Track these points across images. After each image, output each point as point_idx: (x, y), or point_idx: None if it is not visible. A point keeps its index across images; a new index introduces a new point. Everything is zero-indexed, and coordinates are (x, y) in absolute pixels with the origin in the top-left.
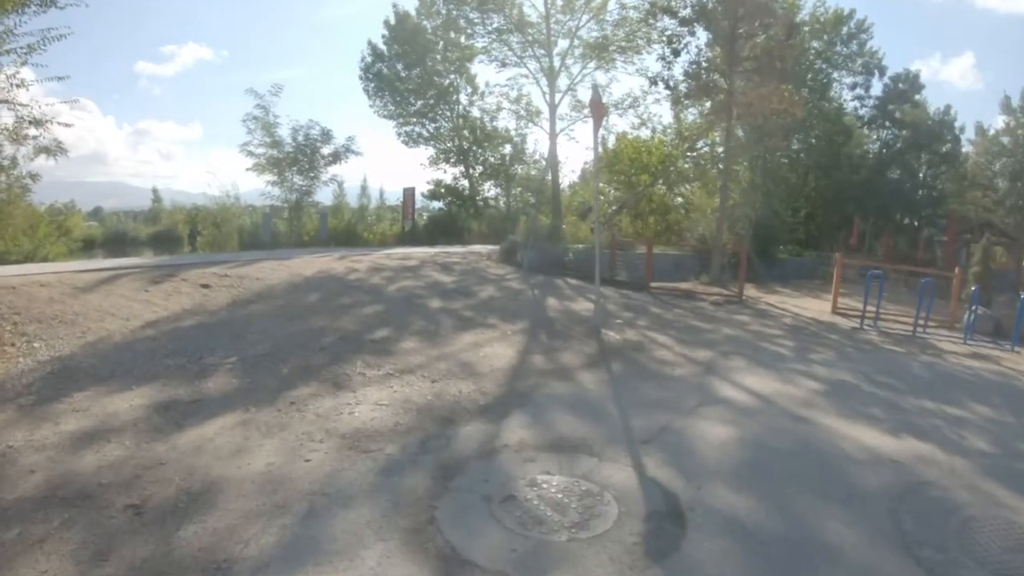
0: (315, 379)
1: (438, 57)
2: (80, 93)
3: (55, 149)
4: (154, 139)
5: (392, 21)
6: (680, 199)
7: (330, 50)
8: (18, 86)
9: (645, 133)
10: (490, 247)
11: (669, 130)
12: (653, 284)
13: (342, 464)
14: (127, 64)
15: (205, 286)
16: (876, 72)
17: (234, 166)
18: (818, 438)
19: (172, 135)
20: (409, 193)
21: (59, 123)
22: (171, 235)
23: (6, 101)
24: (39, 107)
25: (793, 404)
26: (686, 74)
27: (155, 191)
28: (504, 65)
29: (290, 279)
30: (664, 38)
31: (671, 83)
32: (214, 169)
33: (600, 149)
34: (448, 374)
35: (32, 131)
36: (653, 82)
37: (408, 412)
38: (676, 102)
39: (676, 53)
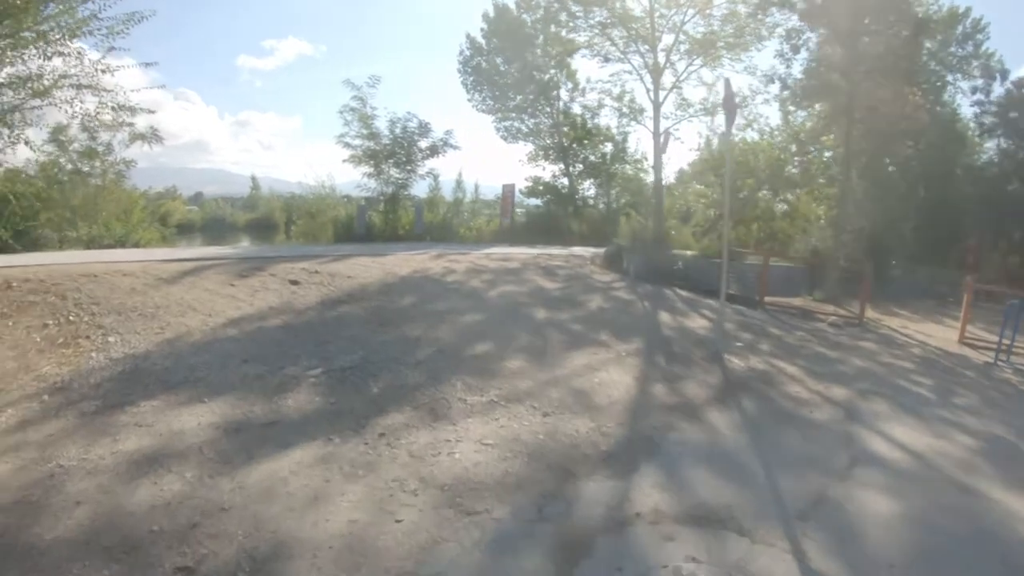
0: (409, 403)
1: (538, 51)
2: (184, 84)
3: (151, 136)
4: (255, 130)
5: (491, 14)
6: (784, 206)
7: (428, 44)
8: (103, 71)
9: (751, 135)
10: (592, 250)
11: (776, 132)
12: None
13: (441, 530)
14: (229, 58)
15: (294, 282)
16: (997, 76)
17: (331, 157)
18: (992, 519)
19: (272, 126)
20: (509, 190)
21: (143, 109)
22: (268, 222)
23: (91, 86)
24: (124, 93)
25: (953, 467)
26: (806, 72)
27: (254, 179)
28: (607, 60)
29: (384, 278)
30: (782, 33)
31: (788, 81)
32: (312, 160)
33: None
34: (561, 405)
35: (127, 118)
36: (770, 80)
37: (518, 456)
38: (792, 102)
39: (796, 50)
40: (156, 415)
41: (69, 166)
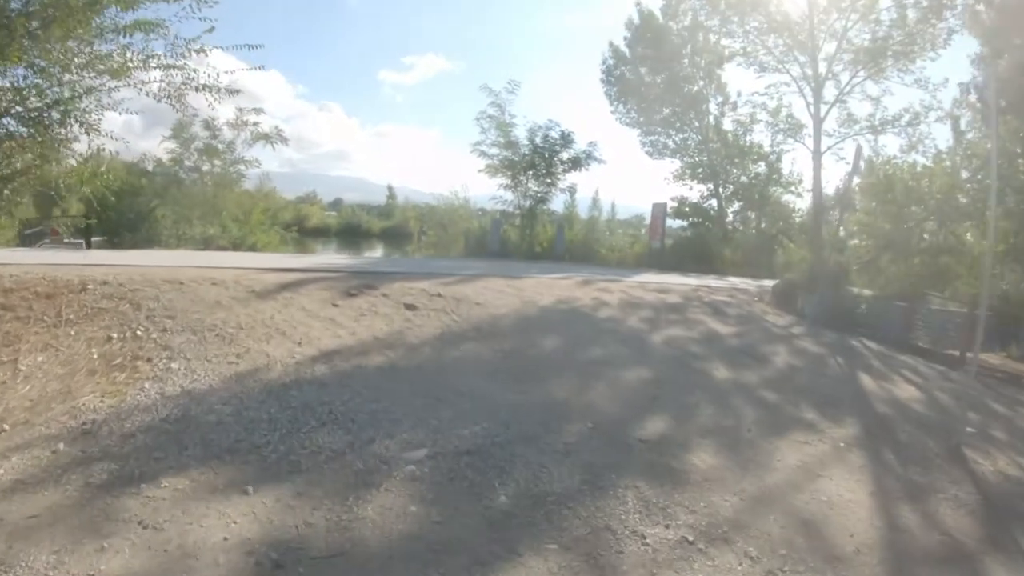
0: (554, 533)
1: (685, 62)
2: (328, 98)
3: (275, 137)
4: (394, 141)
5: (635, 20)
6: (951, 238)
7: (568, 56)
8: (195, 51)
9: (917, 158)
10: (753, 283)
11: (945, 156)
12: (929, 347)
13: None
14: (371, 73)
15: (410, 307)
16: None
17: (467, 169)
18: None
19: (411, 138)
20: (659, 210)
21: (233, 90)
22: (402, 231)
23: (176, 66)
24: (215, 73)
25: None
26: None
27: (390, 188)
28: (763, 70)
29: (521, 309)
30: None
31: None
32: (448, 171)
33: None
34: (788, 553)
35: (253, 118)
36: (966, 91)
37: None
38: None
39: (998, 54)
40: (176, 506)
41: (188, 163)
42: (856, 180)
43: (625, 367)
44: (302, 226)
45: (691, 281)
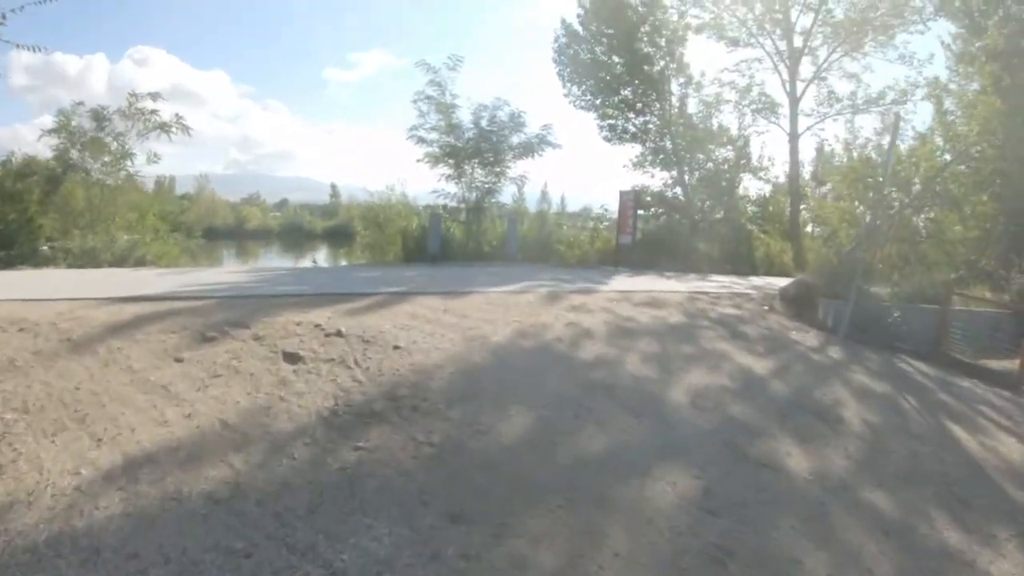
0: None
1: (644, 39)
2: (272, 97)
3: (175, 127)
4: (341, 139)
5: None
6: (930, 224)
7: (518, 49)
8: None
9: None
10: (742, 282)
11: (927, 137)
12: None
13: None
14: (316, 70)
15: (292, 358)
16: None
17: (414, 165)
18: None
19: (358, 135)
20: (629, 199)
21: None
22: (346, 230)
23: None
24: None
25: None
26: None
27: (333, 186)
28: (735, 45)
29: (464, 353)
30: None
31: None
32: (397, 169)
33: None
34: None
35: (148, 105)
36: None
37: None
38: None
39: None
40: None
41: (74, 161)
42: (892, 156)
43: (647, 471)
44: (242, 228)
45: (678, 286)
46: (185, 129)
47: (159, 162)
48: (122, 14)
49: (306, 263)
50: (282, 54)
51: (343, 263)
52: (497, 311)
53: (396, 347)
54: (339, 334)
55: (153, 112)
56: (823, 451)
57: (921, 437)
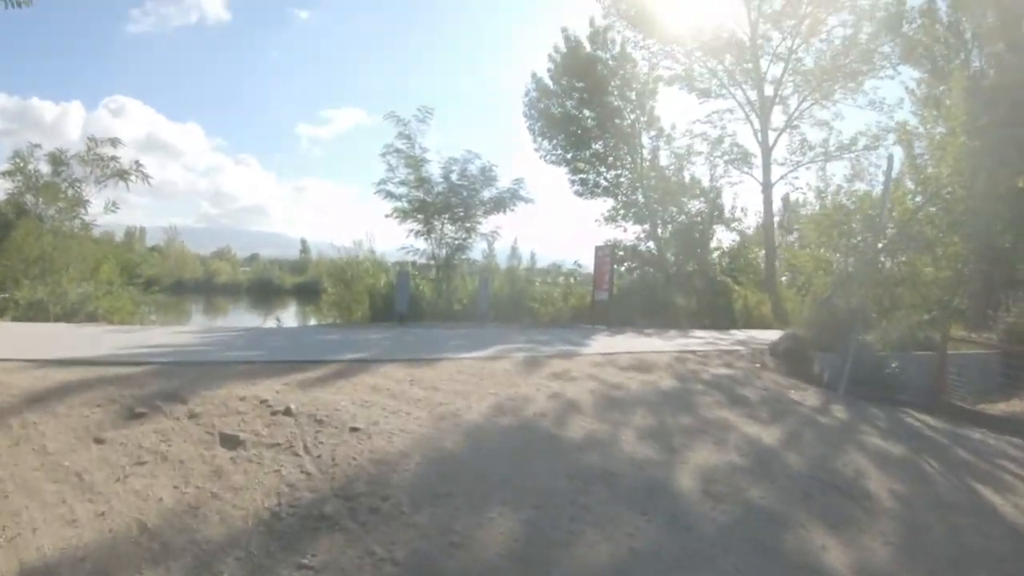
0: None
1: (615, 93)
2: (245, 151)
3: (135, 175)
4: (312, 195)
5: (562, 48)
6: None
7: (491, 98)
8: None
9: (861, 186)
10: (725, 337)
11: (896, 181)
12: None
13: None
14: (289, 126)
15: (231, 441)
16: None
17: (384, 222)
18: None
19: (329, 192)
20: (605, 254)
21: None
22: (315, 286)
23: None
24: None
25: None
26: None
27: (303, 242)
28: (707, 96)
29: (433, 436)
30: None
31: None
32: (367, 226)
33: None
34: None
35: (108, 151)
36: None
37: None
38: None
39: None
40: None
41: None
42: (889, 200)
43: None
44: (211, 282)
45: (662, 344)
46: (144, 177)
47: (117, 211)
48: (100, 63)
49: (271, 322)
50: (256, 108)
51: (311, 321)
52: (471, 382)
53: (353, 429)
54: (288, 412)
55: (113, 159)
56: (859, 539)
57: (956, 507)
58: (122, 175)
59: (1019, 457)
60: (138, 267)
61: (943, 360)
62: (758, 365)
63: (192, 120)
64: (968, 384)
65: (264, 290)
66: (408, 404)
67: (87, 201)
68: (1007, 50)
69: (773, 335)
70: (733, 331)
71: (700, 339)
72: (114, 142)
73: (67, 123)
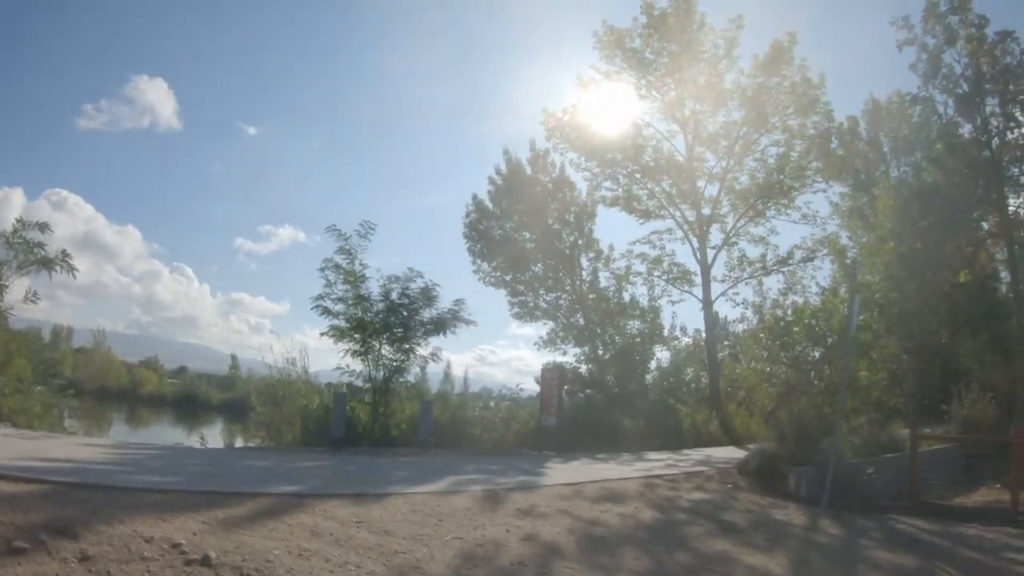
0: None
1: (555, 215)
2: (181, 259)
3: (60, 264)
4: (245, 310)
5: (503, 170)
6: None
7: (433, 224)
8: None
9: (795, 299)
10: (678, 457)
11: (828, 291)
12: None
13: None
14: (227, 238)
15: None
16: None
17: (316, 338)
18: None
19: (262, 309)
20: (553, 376)
21: None
22: (244, 405)
23: None
24: None
25: None
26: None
27: (233, 357)
28: (647, 217)
29: None
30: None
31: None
32: (296, 343)
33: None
34: None
35: (35, 236)
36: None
37: None
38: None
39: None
40: None
41: None
42: (857, 303)
43: None
44: (136, 392)
45: (623, 470)
46: (71, 269)
47: (37, 302)
48: (47, 153)
49: (195, 440)
50: (196, 218)
51: (238, 442)
52: (428, 523)
53: None
54: (206, 562)
55: (39, 245)
56: None
57: None
58: (46, 263)
59: (1020, 546)
60: (56, 367)
61: (914, 460)
62: (730, 485)
63: (131, 223)
64: (937, 480)
65: (190, 404)
66: (357, 554)
67: (4, 285)
68: (946, 152)
69: (730, 452)
70: (686, 451)
71: (659, 462)
72: (42, 227)
73: (6, 209)
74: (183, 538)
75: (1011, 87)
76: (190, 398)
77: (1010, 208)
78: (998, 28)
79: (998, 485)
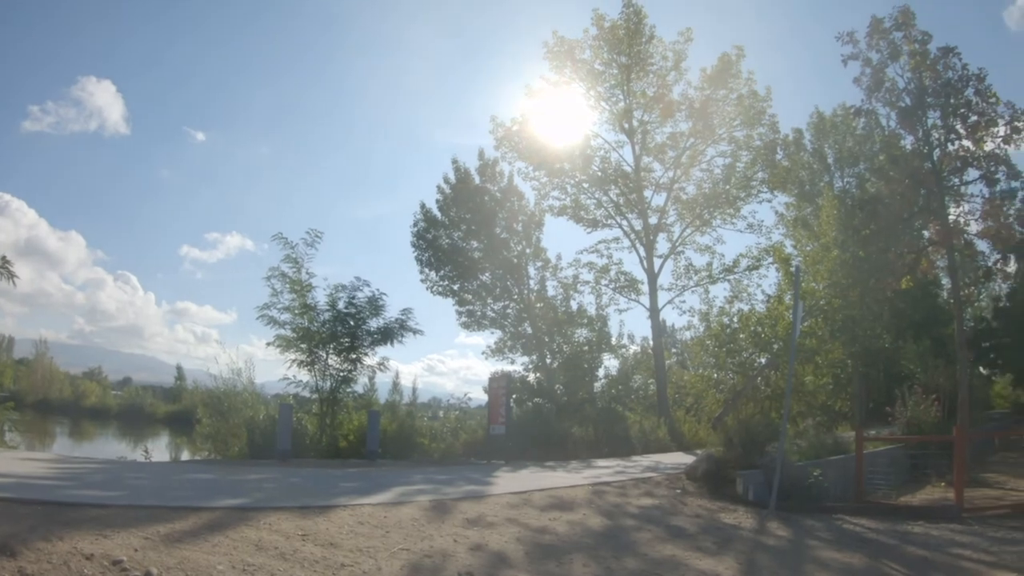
0: None
1: (503, 224)
2: (126, 267)
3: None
4: (191, 320)
5: (452, 179)
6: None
7: (381, 233)
8: None
9: (741, 307)
10: (627, 464)
11: (773, 298)
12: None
13: None
14: (173, 247)
15: None
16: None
17: (262, 349)
18: None
19: (209, 319)
20: (500, 385)
21: None
22: (190, 416)
23: None
24: None
25: None
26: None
27: (179, 368)
28: (594, 226)
29: None
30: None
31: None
32: (242, 354)
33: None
34: None
35: None
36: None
37: None
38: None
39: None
40: None
41: None
42: (802, 310)
43: None
44: (79, 404)
45: (572, 478)
46: (10, 276)
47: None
48: None
49: (139, 453)
50: (142, 225)
51: (184, 455)
52: (375, 535)
53: None
54: None
55: None
56: None
57: None
58: None
59: (968, 542)
60: None
61: (860, 462)
62: (678, 491)
63: (75, 229)
64: (882, 480)
65: (135, 417)
66: (303, 567)
67: None
68: (888, 163)
69: (678, 458)
70: (635, 457)
71: (607, 469)
72: None
73: None
74: (124, 555)
75: (952, 101)
76: (135, 410)
77: (950, 217)
78: (941, 44)
79: (943, 484)
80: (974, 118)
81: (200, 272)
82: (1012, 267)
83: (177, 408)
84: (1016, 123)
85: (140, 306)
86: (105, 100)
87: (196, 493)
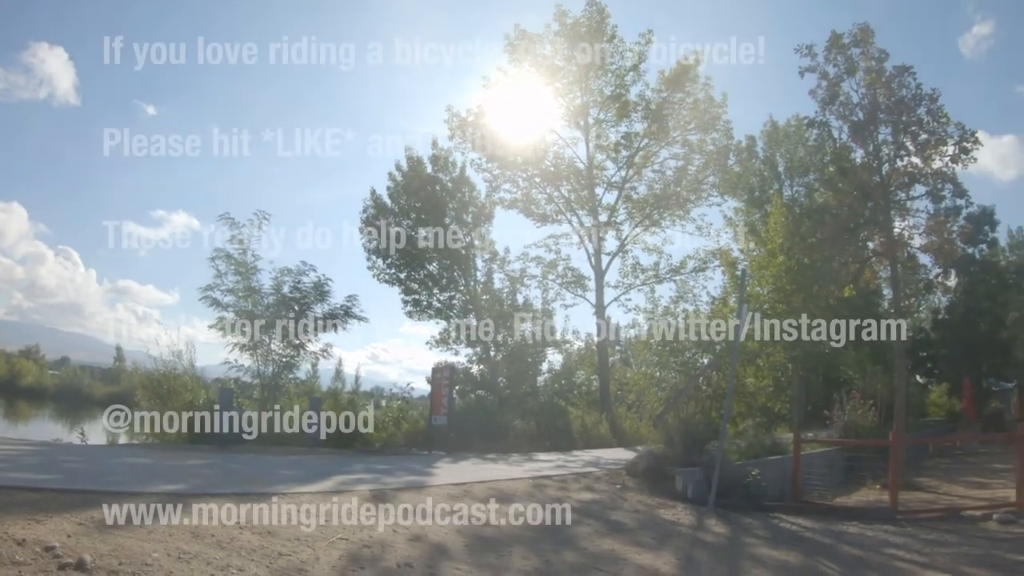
0: None
1: (452, 214)
2: (67, 241)
3: None
4: (132, 299)
5: (404, 167)
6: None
7: (329, 214)
8: None
9: (687, 307)
10: (568, 458)
11: (718, 301)
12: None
13: None
14: (117, 222)
15: None
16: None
17: (204, 331)
18: None
19: (151, 298)
20: (444, 375)
21: None
22: (129, 399)
23: None
24: None
25: None
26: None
27: (118, 349)
28: (544, 221)
29: None
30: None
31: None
32: (184, 336)
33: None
34: None
35: None
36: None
37: None
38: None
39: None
40: None
41: None
42: (746, 312)
43: None
44: (14, 384)
45: (512, 471)
46: None
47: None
48: None
49: (75, 436)
50: (86, 198)
51: (121, 438)
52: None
53: None
54: (81, 567)
55: None
56: None
57: None
58: None
59: (902, 543)
60: None
61: (797, 462)
62: (618, 486)
63: (17, 200)
64: (819, 481)
65: (73, 398)
66: (240, 556)
67: None
68: (838, 174)
69: (619, 454)
70: (576, 452)
71: (549, 463)
72: None
73: None
74: (57, 540)
75: (904, 118)
76: (73, 391)
77: (895, 230)
78: (897, 63)
79: (878, 486)
80: (924, 136)
81: (144, 249)
82: (952, 281)
83: (116, 390)
84: (965, 144)
85: (80, 283)
86: (56, 68)
87: (133, 478)
